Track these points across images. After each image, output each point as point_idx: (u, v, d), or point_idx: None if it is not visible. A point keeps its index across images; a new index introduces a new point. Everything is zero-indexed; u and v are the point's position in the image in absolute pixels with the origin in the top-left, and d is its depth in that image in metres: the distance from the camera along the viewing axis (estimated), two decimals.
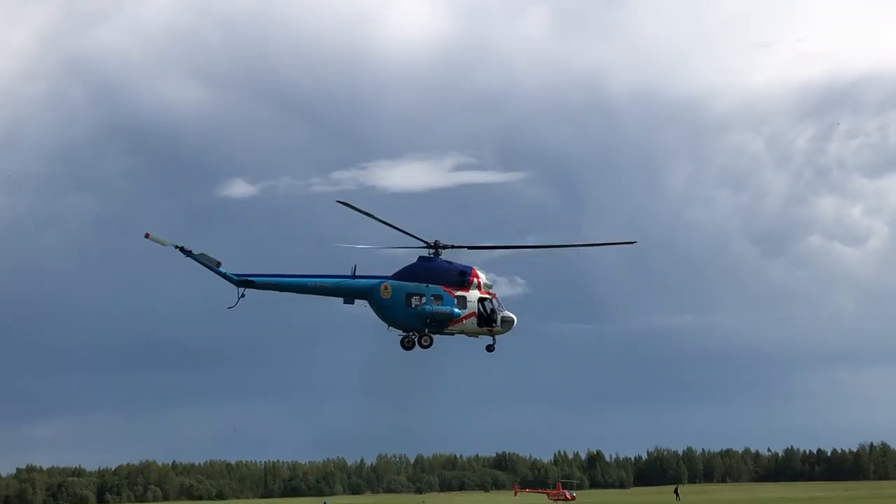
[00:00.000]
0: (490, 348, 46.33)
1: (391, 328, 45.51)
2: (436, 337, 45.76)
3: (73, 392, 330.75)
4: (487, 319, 45.56)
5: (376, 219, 45.17)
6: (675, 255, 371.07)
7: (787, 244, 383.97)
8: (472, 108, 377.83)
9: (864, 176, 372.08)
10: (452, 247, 45.91)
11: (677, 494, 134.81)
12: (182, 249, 45.39)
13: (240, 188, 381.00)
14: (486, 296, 45.72)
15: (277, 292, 45.42)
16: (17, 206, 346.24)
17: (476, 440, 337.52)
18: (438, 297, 45.10)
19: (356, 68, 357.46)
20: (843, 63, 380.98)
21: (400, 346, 45.30)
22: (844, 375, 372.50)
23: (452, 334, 45.61)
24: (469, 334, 45.93)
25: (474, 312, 45.36)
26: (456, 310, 45.15)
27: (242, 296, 45.06)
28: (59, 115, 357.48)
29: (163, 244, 45.57)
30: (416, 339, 45.43)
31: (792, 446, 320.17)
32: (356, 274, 45.65)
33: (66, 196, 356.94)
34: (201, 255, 45.47)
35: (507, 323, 45.93)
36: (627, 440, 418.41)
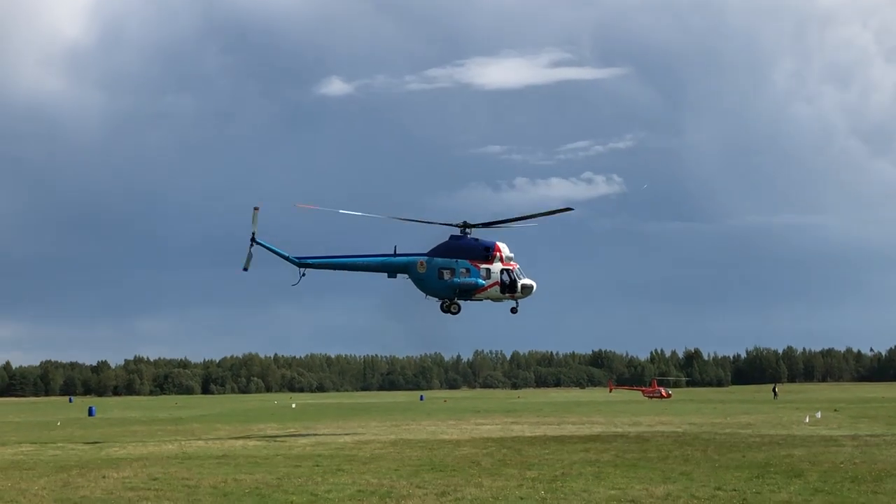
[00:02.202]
0: (514, 310, 53.04)
1: (427, 297, 52.28)
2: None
3: (180, 287, 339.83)
4: (509, 287, 52.06)
5: (412, 220, 51.97)
6: (778, 152, 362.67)
7: (895, 142, 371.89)
8: (569, 2, 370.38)
9: None
10: (476, 226, 52.26)
11: (775, 393, 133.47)
12: (253, 239, 50.22)
13: (336, 86, 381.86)
14: (508, 267, 52.26)
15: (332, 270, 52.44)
16: (119, 104, 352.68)
17: (573, 337, 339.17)
18: (466, 271, 51.71)
19: None
20: None
21: (440, 310, 52.57)
22: None
23: (480, 300, 52.47)
24: (494, 300, 52.58)
25: (497, 282, 51.98)
26: (481, 280, 51.81)
27: (303, 275, 51.03)
28: (159, 13, 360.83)
29: (252, 223, 50.18)
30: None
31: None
32: (397, 252, 51.93)
33: (167, 94, 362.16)
34: (251, 253, 50.40)
35: (527, 289, 52.45)
36: (726, 339, 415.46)
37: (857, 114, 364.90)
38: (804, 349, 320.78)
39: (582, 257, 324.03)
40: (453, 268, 51.71)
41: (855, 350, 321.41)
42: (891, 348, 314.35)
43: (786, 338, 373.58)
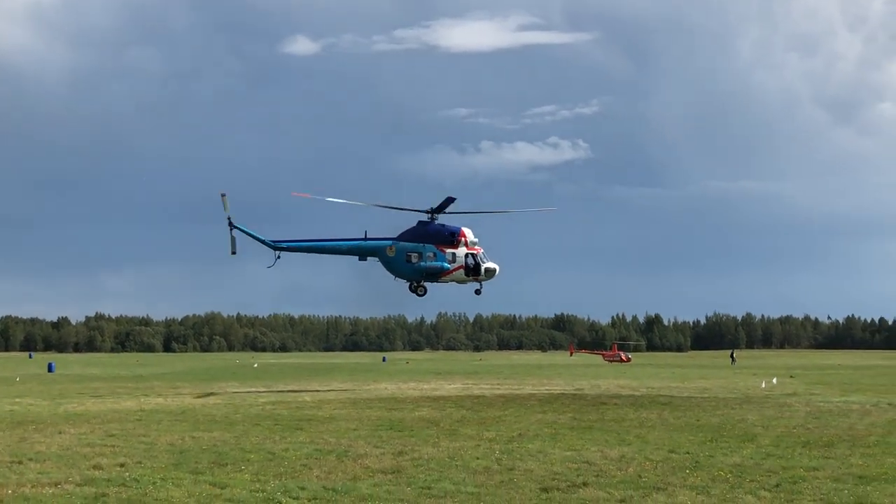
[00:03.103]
0: (478, 292, 55.83)
1: (397, 279, 54.85)
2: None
3: (142, 244, 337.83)
4: (473, 270, 54.75)
5: (382, 206, 54.05)
6: (742, 120, 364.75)
7: (857, 111, 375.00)
8: None
9: None
10: (444, 212, 54.44)
11: (733, 359, 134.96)
12: (230, 223, 52.25)
13: (302, 45, 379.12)
14: (472, 251, 54.87)
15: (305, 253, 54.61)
16: (83, 58, 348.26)
17: (535, 301, 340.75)
18: (433, 255, 54.27)
19: None
20: None
21: (409, 290, 55.39)
22: None
23: (446, 282, 55.07)
24: (459, 282, 55.25)
25: (462, 266, 54.63)
26: (446, 264, 54.42)
27: (278, 257, 53.08)
28: None
29: (224, 209, 52.09)
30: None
31: (853, 314, 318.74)
32: (367, 237, 54.36)
33: (132, 49, 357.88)
34: (233, 237, 52.63)
35: (490, 272, 55.12)
36: (687, 305, 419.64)
37: (819, 82, 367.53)
38: (763, 316, 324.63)
39: (546, 222, 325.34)
40: (421, 252, 54.37)
41: (813, 318, 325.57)
42: (848, 316, 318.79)
43: (745, 304, 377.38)
